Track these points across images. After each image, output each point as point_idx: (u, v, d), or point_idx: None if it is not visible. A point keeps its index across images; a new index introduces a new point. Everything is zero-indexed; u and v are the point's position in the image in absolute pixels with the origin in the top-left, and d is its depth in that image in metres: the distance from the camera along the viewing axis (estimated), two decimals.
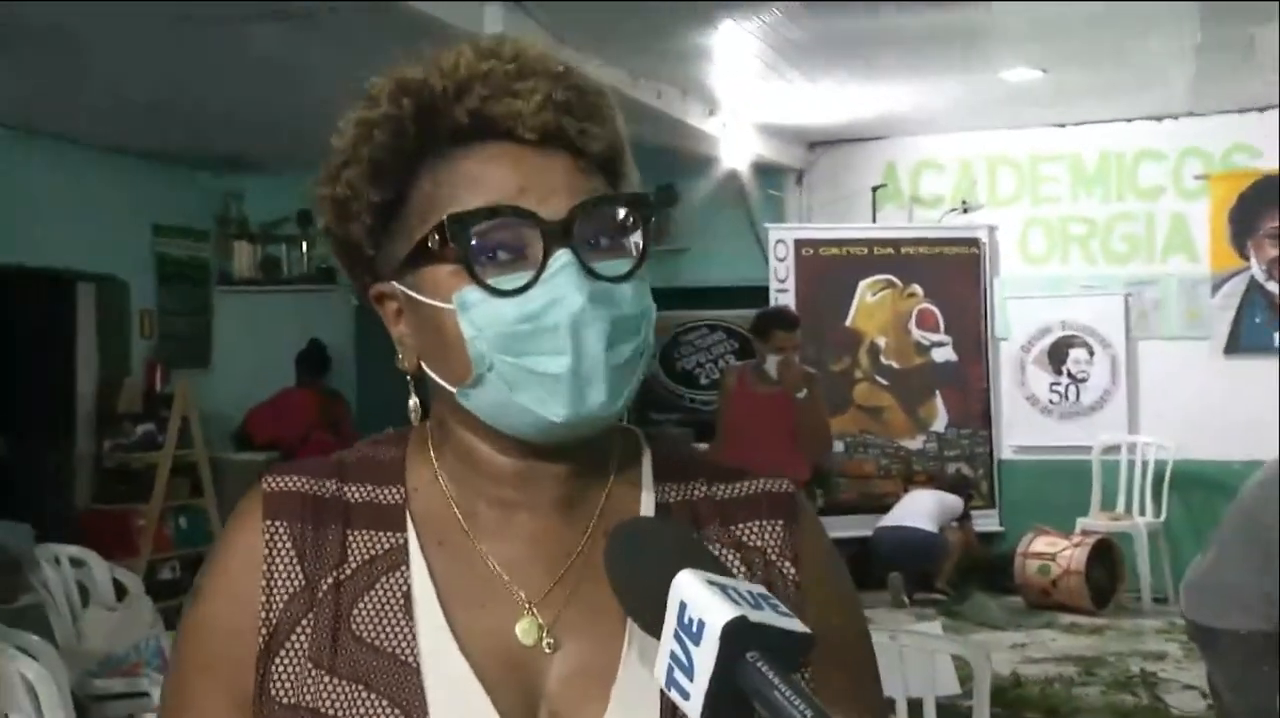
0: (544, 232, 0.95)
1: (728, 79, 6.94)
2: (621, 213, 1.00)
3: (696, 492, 1.08)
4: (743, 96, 7.29)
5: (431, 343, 1.00)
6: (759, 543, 1.06)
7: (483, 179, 0.98)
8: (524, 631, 1.00)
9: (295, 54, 5.84)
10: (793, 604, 0.99)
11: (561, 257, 0.95)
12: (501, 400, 0.97)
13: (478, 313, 0.96)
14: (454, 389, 0.99)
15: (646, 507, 1.06)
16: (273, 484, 1.04)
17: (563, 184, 0.98)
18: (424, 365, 1.02)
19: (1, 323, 8.69)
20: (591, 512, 1.04)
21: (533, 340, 0.95)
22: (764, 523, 1.07)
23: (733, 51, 6.43)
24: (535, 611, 1.01)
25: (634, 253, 1.00)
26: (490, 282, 0.96)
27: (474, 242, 0.96)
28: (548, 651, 1.00)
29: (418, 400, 1.06)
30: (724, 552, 1.05)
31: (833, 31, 6.11)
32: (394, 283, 1.02)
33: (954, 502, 7.96)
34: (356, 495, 1.04)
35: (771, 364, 5.71)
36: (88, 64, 6.15)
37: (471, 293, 0.96)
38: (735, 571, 1.04)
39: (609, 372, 0.96)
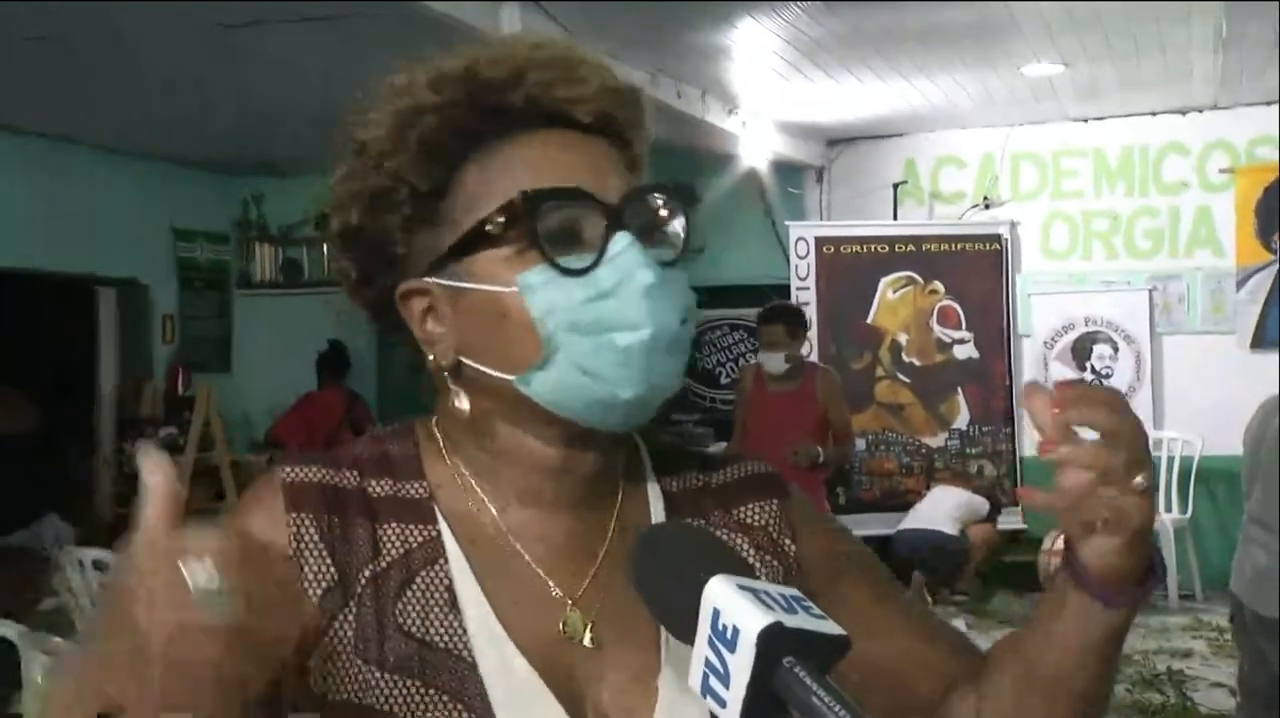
0: (605, 214, 0.96)
1: (747, 77, 6.92)
2: (665, 202, 1.02)
3: (694, 480, 1.11)
4: (762, 95, 7.27)
5: (483, 333, 0.98)
6: (760, 522, 1.10)
7: (540, 163, 0.98)
8: (568, 627, 1.00)
9: (313, 56, 5.84)
10: (794, 577, 1.06)
11: (623, 238, 0.96)
12: (568, 382, 0.96)
13: (545, 294, 0.95)
14: (511, 377, 0.97)
15: (655, 498, 1.08)
16: (291, 476, 1.00)
17: (613, 171, 1.00)
18: (465, 360, 1.00)
19: (24, 328, 8.75)
20: (610, 509, 1.05)
21: (608, 316, 0.95)
22: (761, 503, 1.11)
23: (752, 50, 6.41)
24: (575, 609, 1.01)
25: (676, 243, 1.01)
26: (560, 262, 0.95)
27: (541, 220, 0.95)
28: (590, 647, 1.00)
29: (465, 397, 1.02)
30: (731, 536, 1.08)
31: (852, 28, 6.08)
32: (428, 278, 1.00)
33: (979, 503, 7.91)
34: (379, 490, 1.02)
35: (767, 360, 5.75)
36: (106, 70, 6.17)
37: (536, 274, 0.95)
38: (745, 552, 1.08)
39: (679, 345, 0.98)
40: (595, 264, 0.95)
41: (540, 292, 0.95)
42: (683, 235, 1.01)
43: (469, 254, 0.98)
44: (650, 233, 0.99)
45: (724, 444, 8.12)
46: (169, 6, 5.13)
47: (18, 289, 8.53)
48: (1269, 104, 7.81)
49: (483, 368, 0.99)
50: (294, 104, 6.96)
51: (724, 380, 9.04)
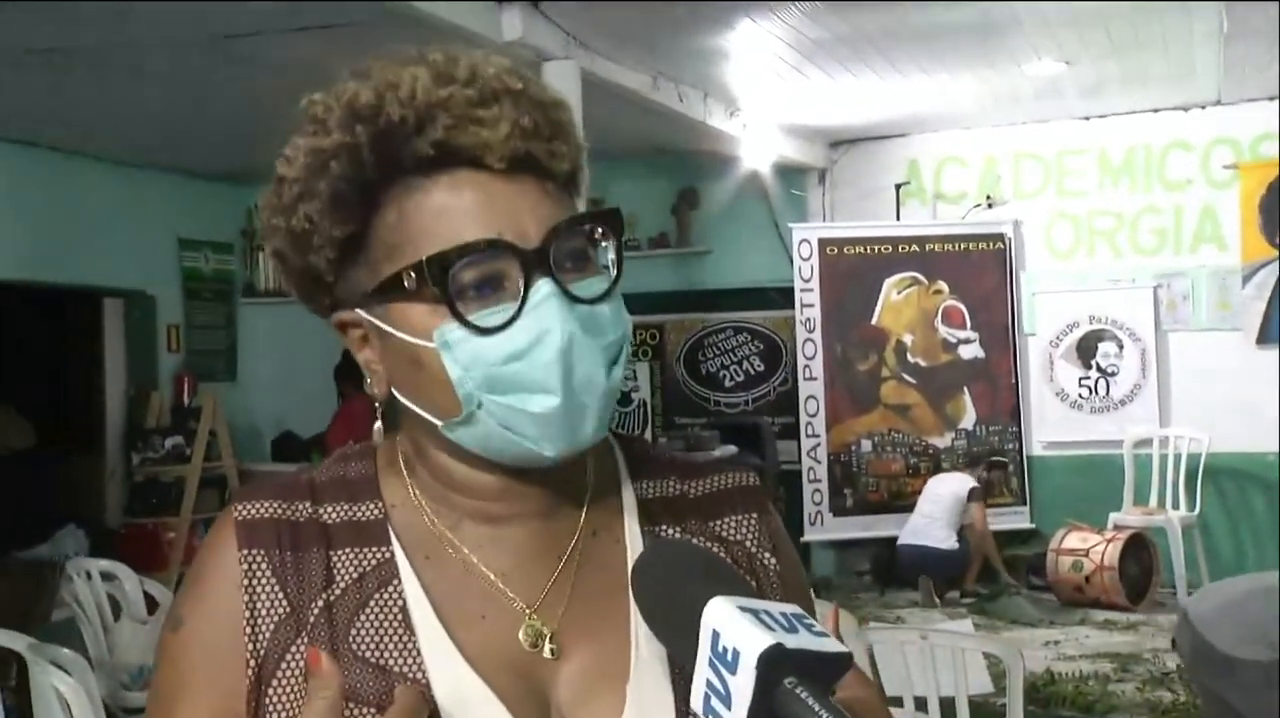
0: (523, 262, 0.93)
1: (749, 80, 6.92)
2: (594, 231, 0.98)
3: (672, 488, 1.08)
4: (764, 97, 7.27)
5: (408, 376, 0.98)
6: (738, 537, 1.07)
7: (452, 211, 0.95)
8: (527, 638, 0.98)
9: (315, 64, 5.85)
10: (776, 592, 1.03)
11: (543, 287, 0.93)
12: (492, 434, 0.95)
13: (462, 351, 0.93)
14: (439, 422, 0.97)
15: (629, 506, 1.06)
16: (244, 512, 1.01)
17: (533, 210, 0.95)
18: (397, 394, 1.00)
19: (29, 339, 8.77)
20: (577, 513, 1.03)
21: (520, 379, 0.93)
22: (740, 517, 1.08)
23: (753, 52, 6.41)
24: (535, 617, 0.99)
25: (609, 269, 0.98)
26: (472, 318, 0.93)
27: (453, 280, 0.93)
28: (551, 657, 0.98)
29: (381, 426, 1.04)
30: (709, 546, 1.05)
31: (853, 29, 6.08)
32: (359, 311, 1.00)
33: (961, 488, 7.84)
34: (333, 515, 1.02)
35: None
36: (110, 81, 6.18)
37: (453, 331, 0.93)
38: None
39: (601, 400, 0.95)
40: (514, 318, 0.92)
41: (457, 349, 0.93)
42: (615, 263, 0.98)
43: (389, 300, 0.96)
44: (580, 265, 0.96)
45: (731, 448, 8.12)
46: (173, 17, 5.14)
47: (24, 300, 8.56)
48: (1272, 99, 7.80)
49: (413, 406, 0.99)
50: (295, 112, 6.98)
51: (728, 384, 9.03)
